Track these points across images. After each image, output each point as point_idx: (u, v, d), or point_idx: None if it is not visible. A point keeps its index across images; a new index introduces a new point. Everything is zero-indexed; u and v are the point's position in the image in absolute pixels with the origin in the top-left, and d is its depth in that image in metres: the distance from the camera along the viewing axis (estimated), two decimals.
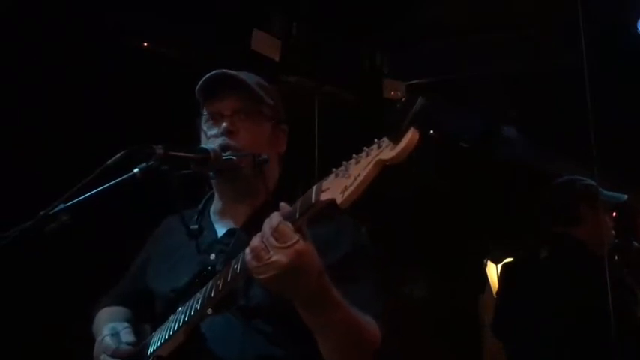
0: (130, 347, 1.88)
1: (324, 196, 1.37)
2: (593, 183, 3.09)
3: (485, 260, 5.46)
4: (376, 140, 1.31)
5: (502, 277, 3.43)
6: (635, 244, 3.24)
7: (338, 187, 1.33)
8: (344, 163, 1.36)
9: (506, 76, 4.11)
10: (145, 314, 2.02)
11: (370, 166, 1.29)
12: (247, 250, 1.49)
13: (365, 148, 1.32)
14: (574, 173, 3.26)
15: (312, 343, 1.65)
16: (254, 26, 3.55)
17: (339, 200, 1.32)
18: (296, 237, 1.43)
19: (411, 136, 1.25)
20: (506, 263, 3.58)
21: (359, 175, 1.30)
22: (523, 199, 4.48)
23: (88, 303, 2.16)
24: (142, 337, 1.92)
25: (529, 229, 3.59)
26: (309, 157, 3.83)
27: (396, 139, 1.26)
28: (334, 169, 1.37)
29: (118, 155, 1.67)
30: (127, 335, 1.91)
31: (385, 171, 1.29)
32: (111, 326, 1.94)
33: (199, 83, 1.89)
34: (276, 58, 3.62)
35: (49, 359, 3.11)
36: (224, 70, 1.87)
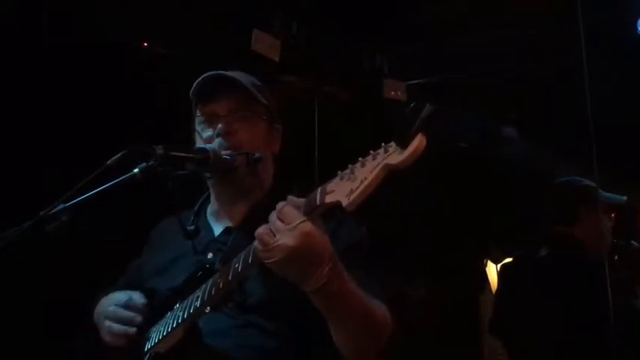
0: (143, 303, 1.84)
1: (329, 198, 1.37)
2: (593, 184, 3.10)
3: (485, 260, 5.46)
4: (383, 144, 1.31)
5: (501, 276, 3.44)
6: (635, 244, 3.24)
7: (343, 189, 1.33)
8: (349, 165, 1.35)
9: (506, 76, 4.11)
10: None
11: (377, 170, 1.29)
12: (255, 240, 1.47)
13: (371, 151, 1.32)
14: (574, 173, 3.26)
15: (308, 337, 1.66)
16: (254, 26, 3.55)
17: (344, 203, 1.32)
18: (302, 217, 1.41)
19: (418, 141, 1.25)
20: (505, 264, 3.58)
21: (365, 178, 1.30)
22: (523, 199, 4.47)
23: (87, 303, 2.16)
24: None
25: (529, 229, 3.59)
26: (309, 157, 3.83)
27: (403, 144, 1.26)
28: (339, 172, 1.37)
29: (118, 155, 1.68)
30: (136, 295, 1.87)
31: (390, 175, 1.30)
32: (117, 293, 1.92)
33: (194, 85, 1.89)
34: (276, 58, 3.61)
35: (49, 359, 3.11)
36: (219, 72, 1.87)
